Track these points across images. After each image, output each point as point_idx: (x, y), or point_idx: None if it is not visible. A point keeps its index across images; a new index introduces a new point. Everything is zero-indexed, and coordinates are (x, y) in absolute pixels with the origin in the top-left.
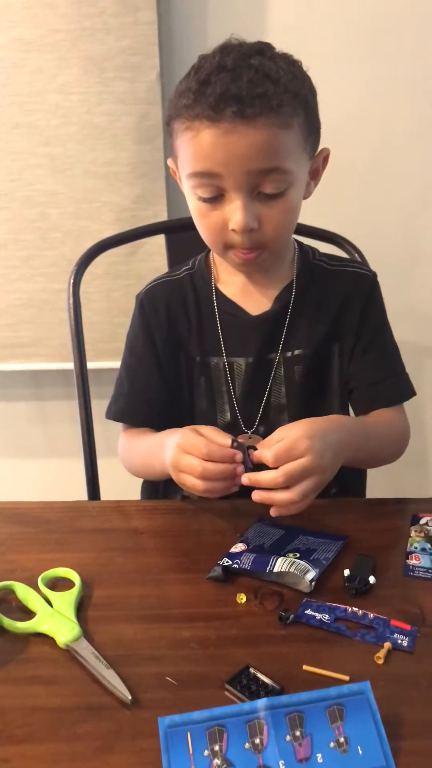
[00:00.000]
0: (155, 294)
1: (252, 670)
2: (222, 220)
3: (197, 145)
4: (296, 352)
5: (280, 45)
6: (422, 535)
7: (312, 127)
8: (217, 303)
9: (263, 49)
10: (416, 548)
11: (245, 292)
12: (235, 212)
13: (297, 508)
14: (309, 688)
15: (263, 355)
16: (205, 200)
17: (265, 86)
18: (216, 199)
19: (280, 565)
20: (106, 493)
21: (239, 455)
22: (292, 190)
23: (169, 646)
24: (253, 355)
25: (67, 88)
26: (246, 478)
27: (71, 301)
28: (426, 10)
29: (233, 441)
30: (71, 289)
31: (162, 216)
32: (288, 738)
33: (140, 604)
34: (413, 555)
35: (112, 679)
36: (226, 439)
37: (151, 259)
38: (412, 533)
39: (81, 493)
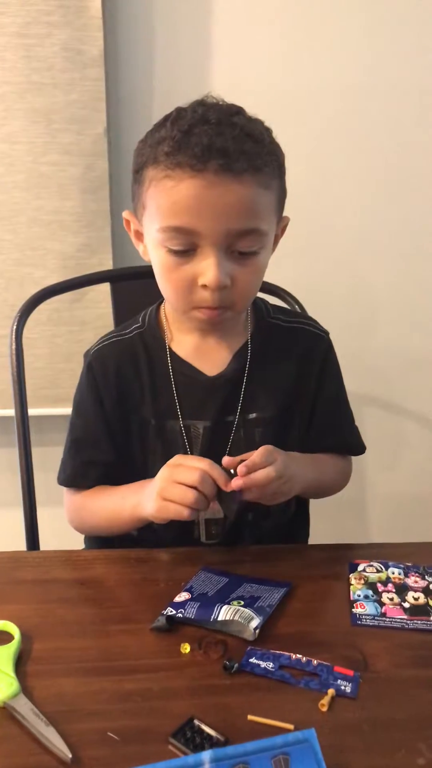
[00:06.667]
0: (104, 355)
1: (196, 722)
2: (192, 275)
3: (177, 196)
4: (256, 414)
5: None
6: (362, 582)
7: (283, 193)
8: (171, 364)
9: (240, 110)
10: (359, 596)
11: (200, 352)
12: (208, 268)
13: (274, 487)
14: (254, 738)
15: (222, 418)
16: (175, 253)
17: (250, 144)
18: (187, 252)
19: (225, 613)
20: (46, 545)
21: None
22: (263, 251)
23: (110, 700)
24: (211, 418)
25: (13, 137)
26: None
27: (14, 346)
28: (361, 69)
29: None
30: (14, 335)
31: (107, 264)
32: None
33: (81, 657)
34: (357, 603)
35: (51, 737)
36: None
37: (96, 306)
38: (353, 581)
39: (19, 544)
